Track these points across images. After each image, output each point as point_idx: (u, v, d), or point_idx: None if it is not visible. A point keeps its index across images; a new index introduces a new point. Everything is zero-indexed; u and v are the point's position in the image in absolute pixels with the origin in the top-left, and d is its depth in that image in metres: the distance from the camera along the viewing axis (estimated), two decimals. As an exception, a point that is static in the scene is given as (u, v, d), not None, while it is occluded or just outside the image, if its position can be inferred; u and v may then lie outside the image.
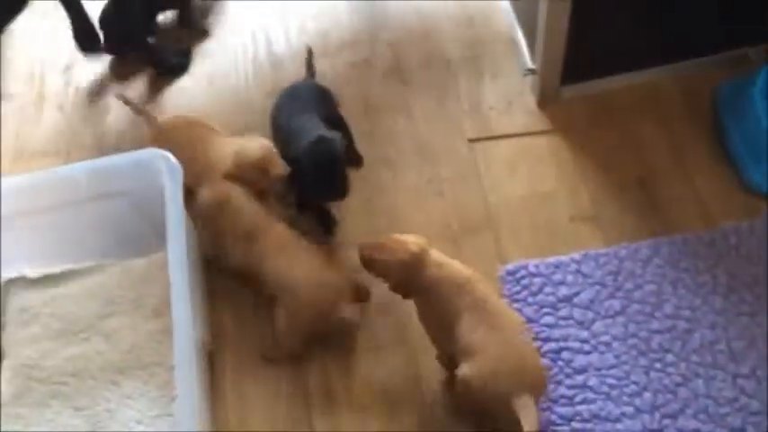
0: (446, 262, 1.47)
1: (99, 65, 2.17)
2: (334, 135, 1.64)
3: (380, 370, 1.60)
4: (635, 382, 1.52)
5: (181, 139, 1.75)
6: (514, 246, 1.72)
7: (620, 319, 1.60)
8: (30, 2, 2.33)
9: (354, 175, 1.73)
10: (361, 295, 1.60)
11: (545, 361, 1.56)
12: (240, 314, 1.70)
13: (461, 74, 2.01)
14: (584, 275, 1.65)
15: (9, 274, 1.75)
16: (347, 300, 1.56)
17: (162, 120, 1.83)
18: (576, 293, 1.64)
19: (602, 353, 1.56)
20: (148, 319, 1.67)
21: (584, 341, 1.58)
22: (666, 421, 1.48)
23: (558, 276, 1.66)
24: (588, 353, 1.57)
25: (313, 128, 1.65)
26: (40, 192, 1.66)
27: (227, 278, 1.72)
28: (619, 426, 1.49)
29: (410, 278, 1.44)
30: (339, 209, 1.78)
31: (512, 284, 1.66)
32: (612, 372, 1.54)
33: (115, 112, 2.08)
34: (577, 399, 1.52)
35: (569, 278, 1.65)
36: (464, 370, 1.40)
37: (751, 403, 1.48)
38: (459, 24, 2.11)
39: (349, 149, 1.76)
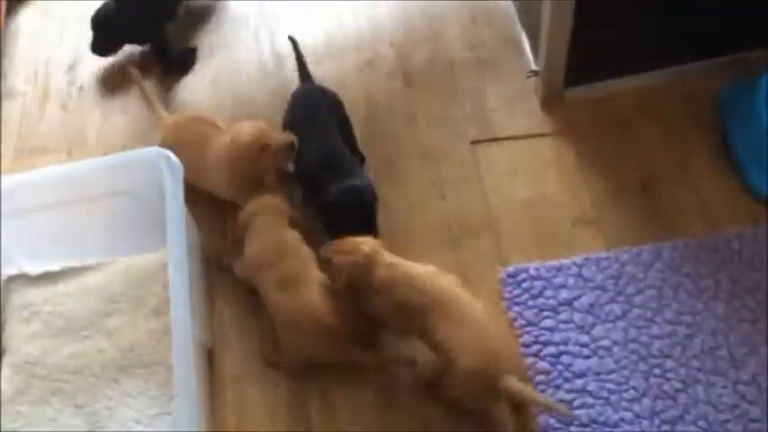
0: (398, 263, 1.49)
1: (102, 63, 2.17)
2: (365, 181, 1.64)
3: (380, 372, 1.58)
4: (634, 388, 1.52)
5: (192, 137, 1.76)
6: (515, 248, 1.72)
7: (621, 323, 1.59)
8: (33, 0, 2.34)
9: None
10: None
11: (543, 364, 1.56)
12: (241, 314, 1.71)
13: (464, 76, 2.00)
14: (585, 279, 1.65)
15: (10, 271, 1.76)
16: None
17: (173, 119, 1.83)
18: (577, 297, 1.63)
19: (601, 357, 1.56)
20: (149, 318, 1.68)
21: (584, 345, 1.57)
22: (665, 427, 1.48)
23: (558, 280, 1.65)
24: (588, 357, 1.56)
25: (339, 161, 1.66)
26: (41, 189, 1.67)
27: (228, 277, 1.73)
28: (617, 431, 1.48)
29: (361, 278, 1.47)
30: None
31: (512, 287, 1.66)
32: (612, 377, 1.53)
33: (117, 110, 2.08)
34: (576, 403, 1.52)
35: (570, 282, 1.65)
36: (444, 372, 1.43)
37: (751, 410, 1.47)
38: (462, 26, 2.10)
39: (352, 151, 1.76)
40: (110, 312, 1.70)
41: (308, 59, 1.92)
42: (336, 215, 1.61)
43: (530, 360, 1.57)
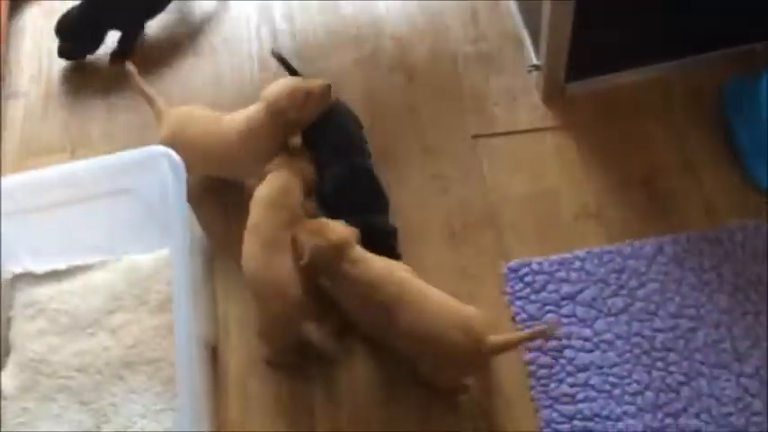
0: (362, 259, 1.49)
1: (103, 63, 2.18)
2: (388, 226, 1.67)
3: (382, 370, 1.60)
4: (637, 381, 1.52)
5: (199, 122, 1.76)
6: (517, 243, 1.72)
7: (624, 317, 1.59)
8: (37, 0, 2.35)
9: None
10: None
11: (546, 359, 1.56)
12: (245, 311, 1.71)
13: (466, 70, 2.00)
14: (588, 273, 1.65)
15: (16, 269, 1.77)
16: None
17: (174, 110, 1.82)
18: (579, 291, 1.63)
19: (604, 351, 1.56)
20: (153, 315, 1.69)
21: (587, 339, 1.57)
22: (668, 420, 1.48)
23: (561, 274, 1.65)
24: (590, 351, 1.56)
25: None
26: (45, 188, 1.67)
27: (232, 276, 1.73)
28: (620, 425, 1.48)
29: (323, 263, 1.48)
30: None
31: (514, 282, 1.66)
32: (615, 370, 1.53)
33: (120, 109, 2.09)
34: (579, 397, 1.52)
35: (572, 276, 1.65)
36: (421, 364, 1.47)
37: (754, 403, 1.47)
38: (463, 20, 2.10)
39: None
40: (114, 310, 1.71)
41: (310, 55, 1.91)
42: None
43: (533, 354, 1.57)
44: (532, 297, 1.64)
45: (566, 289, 1.64)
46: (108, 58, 2.17)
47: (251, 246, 1.56)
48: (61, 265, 1.77)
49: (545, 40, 1.78)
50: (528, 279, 1.66)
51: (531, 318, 1.61)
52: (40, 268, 1.77)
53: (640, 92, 1.87)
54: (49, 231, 1.73)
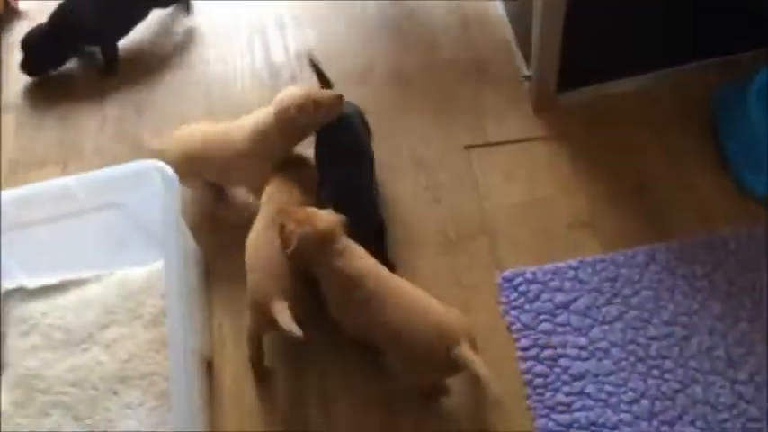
0: (346, 253, 1.48)
1: (95, 77, 2.18)
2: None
3: (377, 381, 1.59)
4: (633, 389, 1.52)
5: (207, 137, 1.76)
6: (511, 252, 1.72)
7: (618, 325, 1.59)
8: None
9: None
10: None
11: (542, 368, 1.56)
12: (240, 323, 1.70)
13: (458, 81, 2.01)
14: (582, 282, 1.65)
15: (9, 284, 1.76)
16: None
17: (178, 132, 1.82)
18: (574, 300, 1.64)
19: (599, 359, 1.56)
20: (147, 329, 1.68)
21: (582, 348, 1.58)
22: (664, 428, 1.48)
23: (555, 283, 1.66)
24: (586, 359, 1.56)
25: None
26: (38, 203, 1.67)
27: (227, 289, 1.73)
28: (616, 433, 1.49)
29: (309, 251, 1.48)
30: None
31: (509, 291, 1.66)
32: (610, 378, 1.54)
33: (112, 122, 2.09)
34: (575, 406, 1.52)
35: (566, 285, 1.65)
36: (395, 359, 1.48)
37: (749, 409, 1.48)
38: (455, 32, 2.11)
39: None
40: (108, 324, 1.70)
41: (302, 66, 1.90)
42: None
43: (528, 363, 1.57)
44: (527, 306, 1.64)
45: (560, 298, 1.64)
46: (98, 72, 2.18)
47: (258, 223, 1.61)
48: (54, 280, 1.76)
49: (536, 50, 1.80)
50: (522, 288, 1.66)
51: (527, 327, 1.61)
52: (32, 283, 1.76)
53: (631, 101, 1.89)
54: (41, 246, 1.72)
